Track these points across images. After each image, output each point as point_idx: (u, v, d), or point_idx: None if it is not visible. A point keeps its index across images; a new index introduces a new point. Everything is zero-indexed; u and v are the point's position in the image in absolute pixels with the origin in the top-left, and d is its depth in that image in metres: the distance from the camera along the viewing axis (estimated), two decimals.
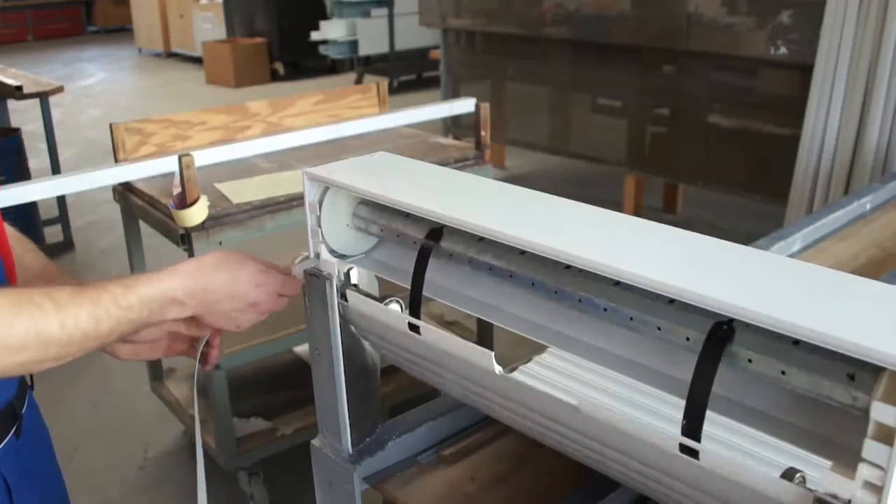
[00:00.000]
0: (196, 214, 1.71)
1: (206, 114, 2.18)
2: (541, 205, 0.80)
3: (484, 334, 2.31)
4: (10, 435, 0.91)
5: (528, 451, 1.00)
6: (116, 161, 2.01)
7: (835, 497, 0.54)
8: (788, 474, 0.57)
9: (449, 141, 2.47)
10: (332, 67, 8.23)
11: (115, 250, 3.70)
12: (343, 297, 0.90)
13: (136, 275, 0.84)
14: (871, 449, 0.52)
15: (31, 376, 1.01)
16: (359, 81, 7.03)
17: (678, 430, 0.62)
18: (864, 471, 0.53)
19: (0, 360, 0.72)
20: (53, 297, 0.76)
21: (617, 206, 3.65)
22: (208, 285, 0.87)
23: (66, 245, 3.82)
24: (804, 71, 2.85)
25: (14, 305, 0.73)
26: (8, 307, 0.72)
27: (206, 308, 0.87)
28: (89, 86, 8.11)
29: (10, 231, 1.01)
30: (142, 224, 2.08)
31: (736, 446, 0.75)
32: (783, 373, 0.57)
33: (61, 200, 3.74)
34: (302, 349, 2.33)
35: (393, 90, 5.20)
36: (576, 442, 0.75)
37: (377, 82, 2.48)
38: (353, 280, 0.91)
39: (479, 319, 2.07)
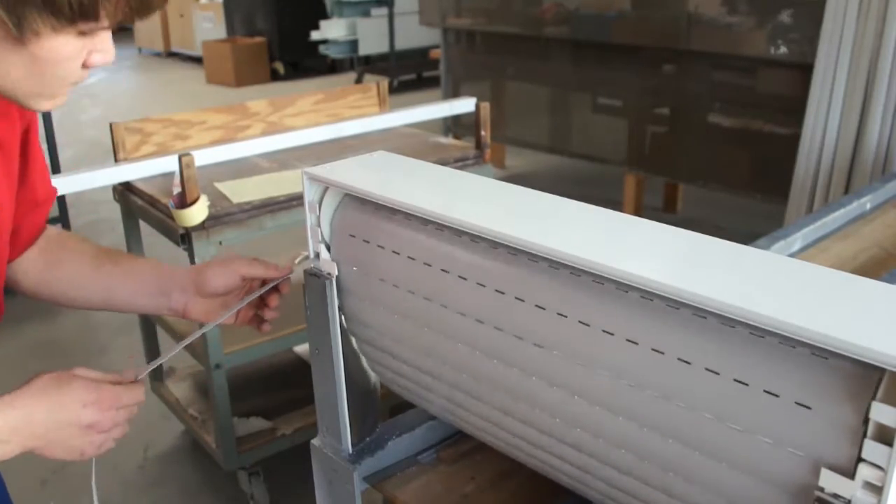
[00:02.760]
0: (196, 214, 1.71)
1: (206, 113, 2.18)
2: (541, 205, 0.79)
3: None
4: None
5: None
6: (116, 161, 2.01)
7: (835, 497, 0.54)
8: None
9: (449, 140, 2.47)
10: (332, 67, 8.23)
11: None
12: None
13: None
14: (871, 449, 0.52)
15: None
16: (359, 81, 7.03)
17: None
18: (864, 471, 0.53)
19: None
20: None
21: (617, 205, 3.65)
22: (30, 416, 0.78)
23: None
24: (804, 70, 2.85)
25: None
26: None
27: (39, 441, 0.79)
28: (89, 85, 8.11)
29: (58, 230, 1.05)
30: (142, 224, 2.08)
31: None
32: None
33: (61, 200, 3.74)
34: (302, 349, 2.33)
35: (393, 90, 5.20)
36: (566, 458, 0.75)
37: (377, 82, 2.48)
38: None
39: None
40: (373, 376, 0.99)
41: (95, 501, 0.91)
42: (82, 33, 0.73)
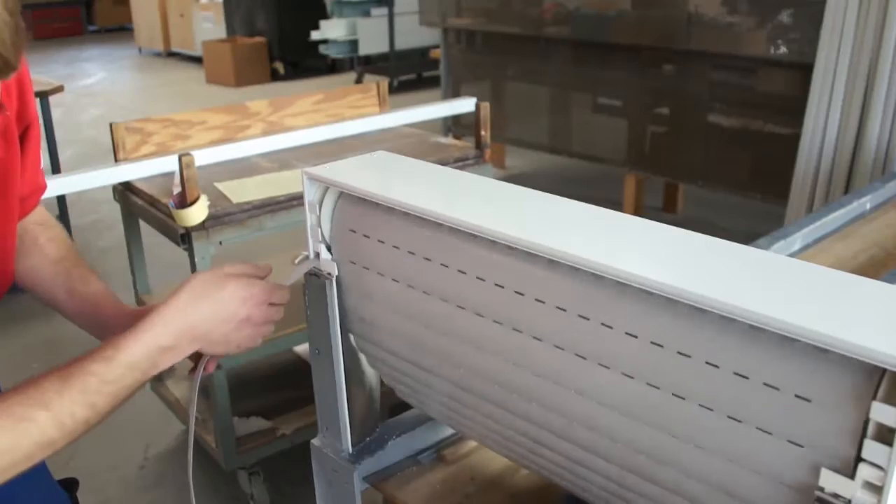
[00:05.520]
0: (196, 214, 1.71)
1: (207, 113, 2.18)
2: (541, 204, 0.79)
3: None
4: None
5: None
6: (116, 160, 2.01)
7: (835, 496, 0.54)
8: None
9: (449, 140, 2.47)
10: (332, 67, 8.23)
11: (115, 250, 3.70)
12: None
13: (117, 340, 0.80)
14: (871, 449, 0.52)
15: None
16: (359, 81, 7.03)
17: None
18: (864, 471, 0.53)
19: (11, 472, 0.74)
20: (44, 401, 0.75)
21: (617, 205, 3.65)
22: (192, 320, 0.84)
23: None
24: (804, 70, 2.85)
25: (10, 429, 0.73)
26: (5, 431, 0.73)
27: (201, 341, 0.85)
28: (89, 85, 8.11)
29: (40, 216, 1.06)
30: (142, 223, 2.08)
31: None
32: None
33: (61, 200, 3.74)
34: (302, 349, 2.33)
35: (393, 90, 5.20)
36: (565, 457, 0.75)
37: (377, 82, 2.47)
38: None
39: None
40: (373, 376, 0.99)
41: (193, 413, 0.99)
42: None
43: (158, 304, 0.84)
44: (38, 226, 1.06)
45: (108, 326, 1.00)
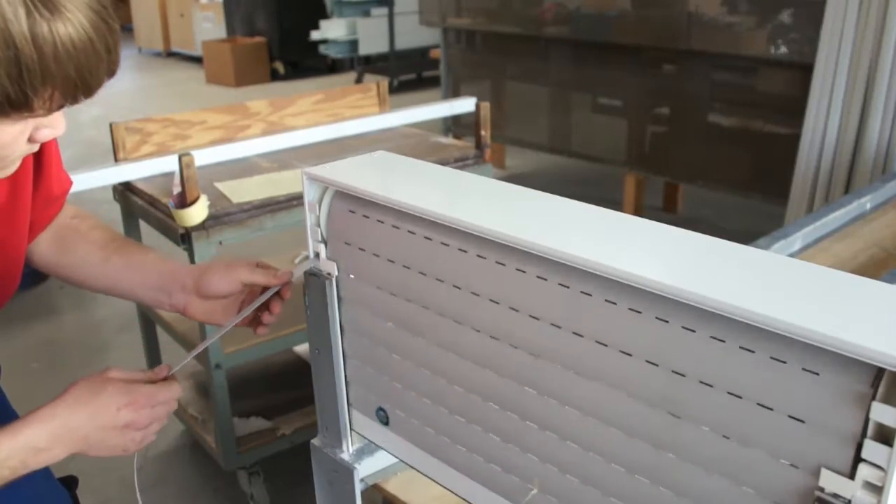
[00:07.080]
0: (196, 214, 1.71)
1: (207, 113, 2.18)
2: (541, 204, 0.79)
3: None
4: None
5: None
6: (116, 160, 2.01)
7: (835, 497, 0.54)
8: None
9: (449, 140, 2.47)
10: (332, 67, 8.23)
11: None
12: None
13: None
14: (871, 449, 0.52)
15: None
16: (359, 81, 7.03)
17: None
18: (864, 471, 0.53)
19: None
20: None
21: (617, 205, 3.66)
22: (69, 425, 0.82)
23: None
24: (804, 70, 2.85)
25: None
26: None
27: (80, 445, 0.84)
28: None
29: (73, 210, 1.10)
30: (142, 223, 2.08)
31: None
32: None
33: None
34: (302, 349, 2.33)
35: (393, 89, 5.20)
36: None
37: (377, 82, 2.48)
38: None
39: None
40: None
41: (137, 495, 0.98)
42: (21, 119, 0.74)
43: (42, 405, 0.83)
44: (75, 219, 1.09)
45: (173, 288, 1.00)
